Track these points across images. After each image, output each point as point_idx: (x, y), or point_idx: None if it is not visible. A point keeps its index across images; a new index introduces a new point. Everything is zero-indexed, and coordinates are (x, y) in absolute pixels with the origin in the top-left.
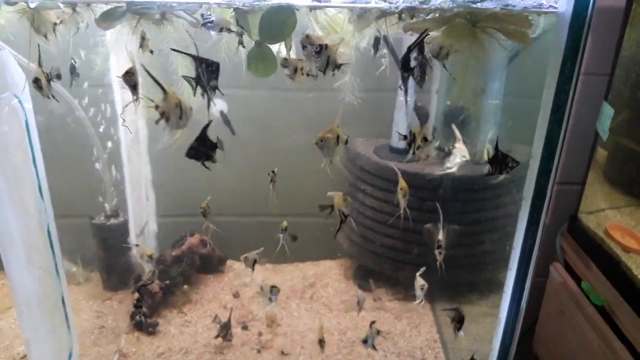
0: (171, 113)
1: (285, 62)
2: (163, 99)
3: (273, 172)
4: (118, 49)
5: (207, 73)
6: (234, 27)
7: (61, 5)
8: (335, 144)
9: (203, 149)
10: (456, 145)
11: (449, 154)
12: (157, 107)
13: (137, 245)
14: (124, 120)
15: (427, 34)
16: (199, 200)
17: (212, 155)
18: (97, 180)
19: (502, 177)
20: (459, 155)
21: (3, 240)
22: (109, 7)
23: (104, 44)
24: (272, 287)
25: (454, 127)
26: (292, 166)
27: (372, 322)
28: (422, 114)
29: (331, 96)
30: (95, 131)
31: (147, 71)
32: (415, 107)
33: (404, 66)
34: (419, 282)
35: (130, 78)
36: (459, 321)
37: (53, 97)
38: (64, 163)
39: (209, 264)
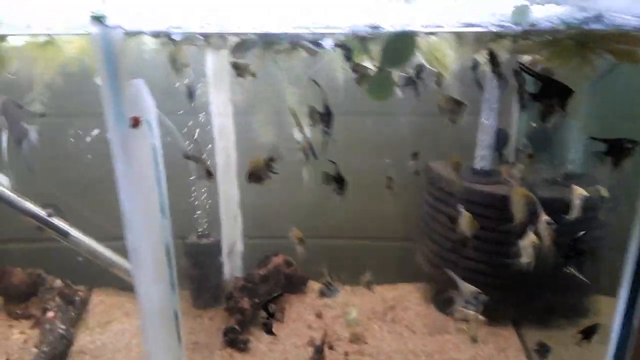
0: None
1: (357, 67)
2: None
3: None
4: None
5: (323, 119)
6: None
7: (200, 37)
8: None
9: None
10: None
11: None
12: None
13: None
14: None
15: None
16: (282, 222)
17: (342, 187)
18: (192, 202)
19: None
20: (577, 197)
21: (138, 258)
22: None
23: (205, 74)
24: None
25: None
26: (370, 189)
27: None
28: (502, 136)
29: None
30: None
31: (294, 116)
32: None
33: (536, 95)
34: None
35: (254, 177)
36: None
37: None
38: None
39: (292, 284)
